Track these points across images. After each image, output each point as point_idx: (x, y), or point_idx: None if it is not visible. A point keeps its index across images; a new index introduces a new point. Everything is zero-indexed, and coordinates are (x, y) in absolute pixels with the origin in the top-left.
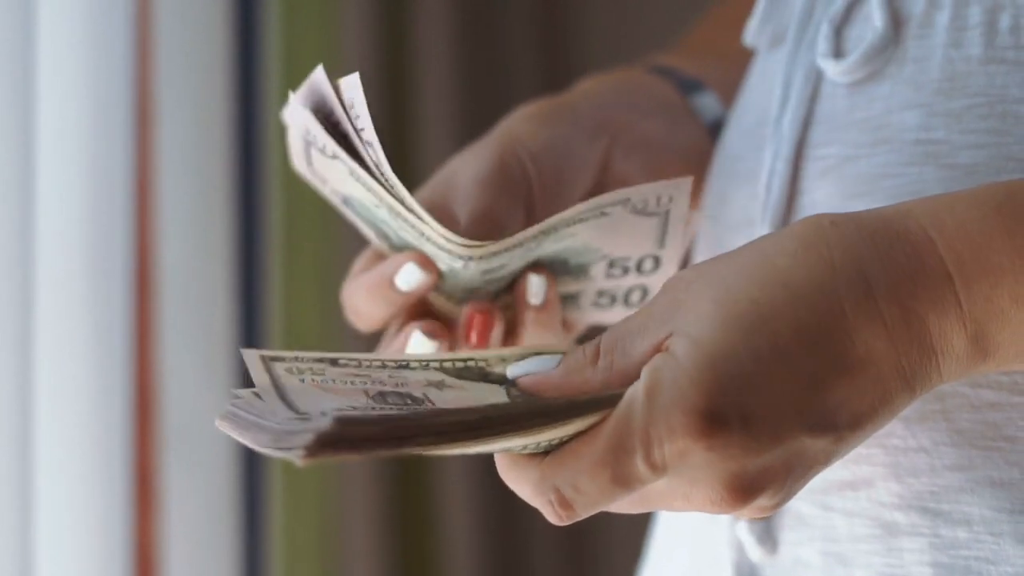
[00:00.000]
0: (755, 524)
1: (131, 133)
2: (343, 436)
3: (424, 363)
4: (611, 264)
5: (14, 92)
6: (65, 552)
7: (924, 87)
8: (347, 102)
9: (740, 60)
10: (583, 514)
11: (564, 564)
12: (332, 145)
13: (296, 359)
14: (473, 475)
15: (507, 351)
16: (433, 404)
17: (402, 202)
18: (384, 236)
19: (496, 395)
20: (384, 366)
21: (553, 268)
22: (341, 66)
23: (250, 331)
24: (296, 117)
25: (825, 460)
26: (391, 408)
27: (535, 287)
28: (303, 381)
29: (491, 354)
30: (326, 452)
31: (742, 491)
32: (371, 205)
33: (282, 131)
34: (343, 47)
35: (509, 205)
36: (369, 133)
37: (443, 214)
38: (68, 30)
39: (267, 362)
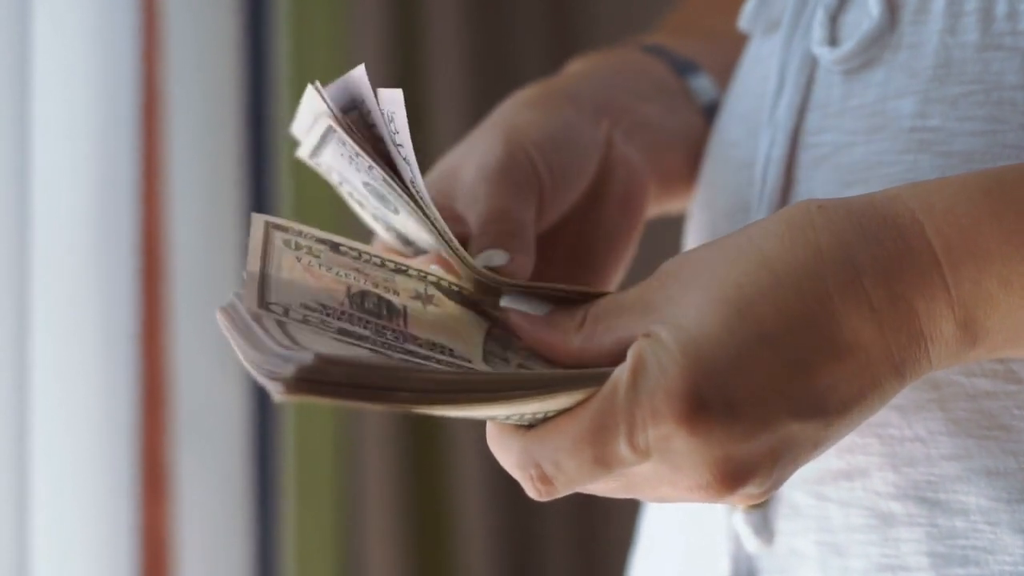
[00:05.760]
0: (752, 515)
1: (138, 120)
2: (323, 374)
3: (422, 274)
4: None
5: (16, 79)
6: (71, 541)
7: (919, 74)
8: (387, 115)
9: (727, 41)
10: (563, 491)
11: (577, 548)
12: (353, 146)
13: (299, 233)
14: (487, 461)
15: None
16: (405, 325)
17: (433, 222)
18: (389, 228)
19: (476, 326)
20: (383, 264)
21: None
22: (350, 58)
23: None
24: (316, 108)
25: (814, 447)
26: (365, 317)
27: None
28: (298, 260)
29: (489, 299)
30: (304, 390)
31: (728, 477)
32: (385, 207)
33: (292, 120)
34: (353, 38)
35: (523, 202)
36: (408, 151)
37: (444, 211)
38: (74, 16)
39: (269, 228)
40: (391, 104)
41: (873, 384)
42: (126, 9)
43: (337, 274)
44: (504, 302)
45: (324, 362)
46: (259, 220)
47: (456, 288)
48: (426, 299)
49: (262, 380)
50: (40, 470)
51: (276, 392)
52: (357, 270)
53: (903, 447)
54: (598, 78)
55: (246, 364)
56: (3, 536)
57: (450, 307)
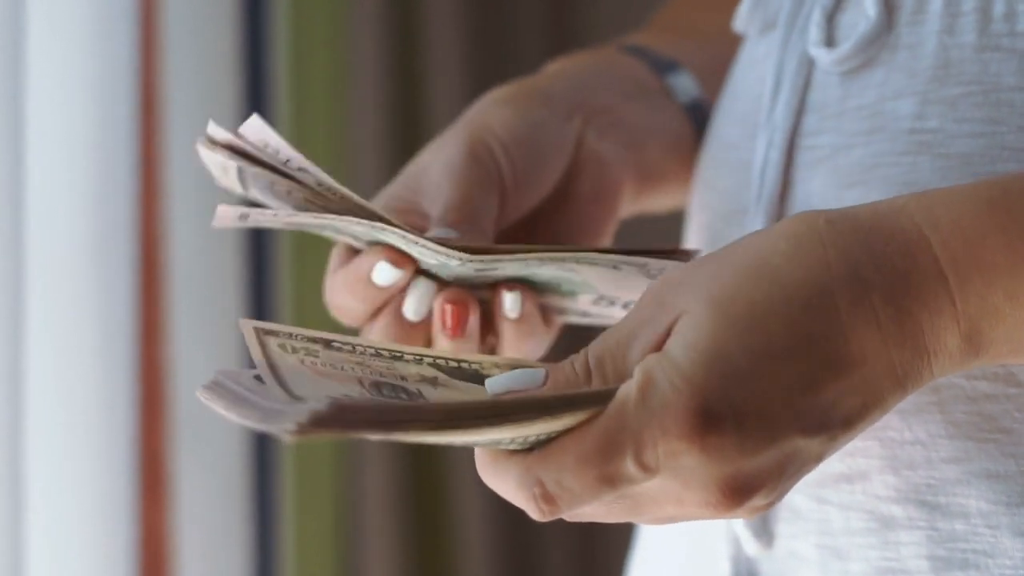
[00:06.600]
0: (752, 518)
1: (137, 121)
2: (337, 419)
3: (418, 357)
4: (600, 298)
5: (11, 79)
6: (70, 542)
7: (918, 74)
8: (259, 144)
9: (716, 38)
10: (566, 511)
11: (575, 555)
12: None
13: (289, 336)
14: None
15: (501, 359)
16: (426, 400)
17: (380, 217)
18: (356, 238)
19: (483, 395)
20: (378, 355)
21: (541, 284)
22: (350, 58)
23: (261, 317)
24: (218, 161)
25: (817, 459)
26: (387, 399)
27: (509, 303)
28: (302, 362)
29: (485, 359)
30: (316, 431)
31: (736, 492)
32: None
33: (291, 121)
34: (353, 38)
35: (482, 196)
36: (299, 161)
37: (411, 209)
38: (71, 16)
39: (261, 335)
40: (258, 132)
41: (875, 398)
42: (124, 9)
43: (342, 369)
44: (491, 388)
45: (338, 407)
46: (248, 326)
47: (455, 364)
48: (433, 382)
49: (268, 430)
50: (39, 471)
51: (287, 436)
52: (358, 363)
53: (903, 450)
54: (576, 78)
55: (248, 424)
56: (0, 537)
57: (458, 384)
